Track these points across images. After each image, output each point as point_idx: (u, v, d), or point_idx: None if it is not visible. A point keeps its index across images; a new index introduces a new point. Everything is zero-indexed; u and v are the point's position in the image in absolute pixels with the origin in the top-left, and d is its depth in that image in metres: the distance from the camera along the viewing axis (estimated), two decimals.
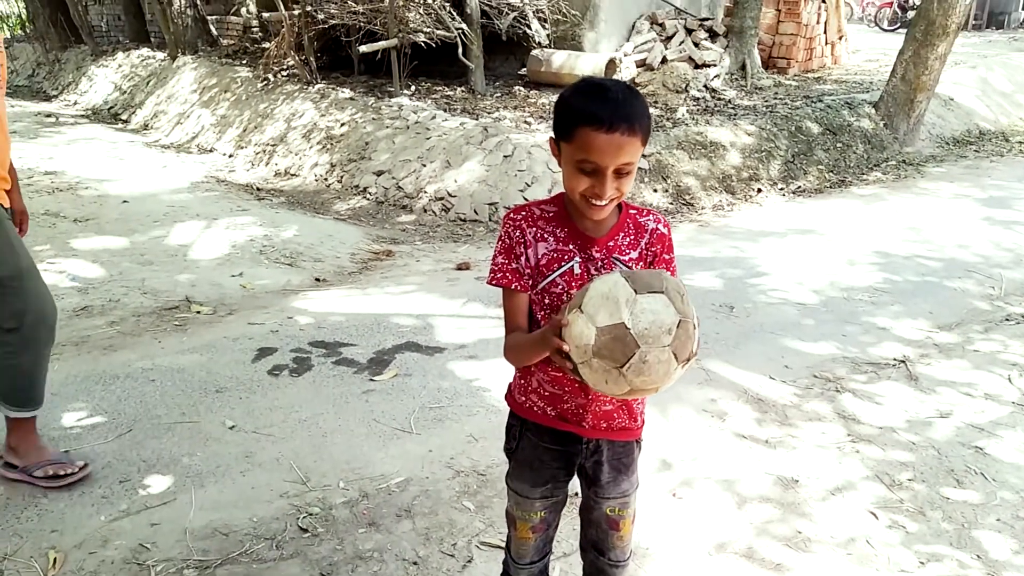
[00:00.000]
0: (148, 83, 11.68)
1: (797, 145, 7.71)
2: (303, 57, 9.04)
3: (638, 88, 8.52)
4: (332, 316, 4.28)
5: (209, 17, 12.60)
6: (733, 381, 3.62)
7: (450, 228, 6.18)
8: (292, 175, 7.79)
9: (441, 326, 4.19)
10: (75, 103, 12.72)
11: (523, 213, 1.65)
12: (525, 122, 7.41)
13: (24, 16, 16.92)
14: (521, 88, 8.68)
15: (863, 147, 8.13)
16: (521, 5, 8.70)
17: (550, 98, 8.22)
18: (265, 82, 9.38)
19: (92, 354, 3.77)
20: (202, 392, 3.43)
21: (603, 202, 1.52)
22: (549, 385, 1.70)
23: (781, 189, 7.22)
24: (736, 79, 9.32)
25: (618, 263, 1.62)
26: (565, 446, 1.75)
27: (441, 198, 6.51)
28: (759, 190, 7.10)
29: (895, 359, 3.87)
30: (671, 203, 6.66)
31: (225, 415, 3.24)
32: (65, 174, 7.17)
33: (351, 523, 2.57)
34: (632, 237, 1.64)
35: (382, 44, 8.23)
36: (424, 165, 6.85)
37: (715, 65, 9.02)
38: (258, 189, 7.36)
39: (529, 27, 8.71)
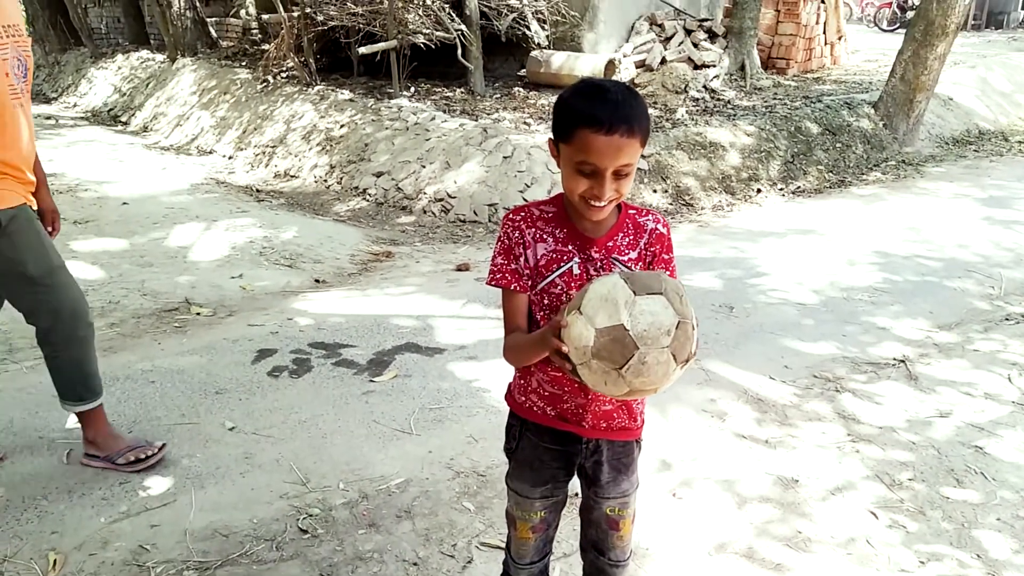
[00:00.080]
0: (148, 85, 11.68)
1: (796, 145, 7.71)
2: (302, 59, 9.04)
3: (637, 89, 8.56)
4: (332, 317, 4.28)
5: (209, 19, 12.60)
6: (733, 381, 3.62)
7: (450, 229, 6.18)
8: (292, 176, 7.79)
9: (441, 327, 4.19)
10: (75, 105, 12.73)
11: (522, 214, 1.66)
12: (524, 123, 7.42)
13: (24, 18, 16.92)
14: (520, 89, 8.68)
15: (862, 147, 8.13)
16: (520, 6, 8.71)
17: (549, 99, 8.22)
18: (265, 84, 9.38)
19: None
20: (202, 394, 3.43)
21: (602, 203, 1.52)
22: (549, 385, 1.71)
23: (781, 189, 7.23)
24: (735, 80, 9.33)
25: (617, 263, 1.62)
26: (565, 446, 1.75)
27: (441, 199, 6.51)
28: (759, 190, 7.10)
29: (895, 359, 3.88)
30: (671, 203, 6.67)
31: (225, 416, 3.24)
32: (65, 176, 7.17)
33: (351, 524, 2.57)
34: (631, 237, 1.65)
35: (381, 46, 8.23)
36: (424, 166, 6.85)
37: (714, 66, 9.03)
38: (258, 191, 7.36)
39: (528, 28, 8.72)
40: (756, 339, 4.09)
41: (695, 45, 9.23)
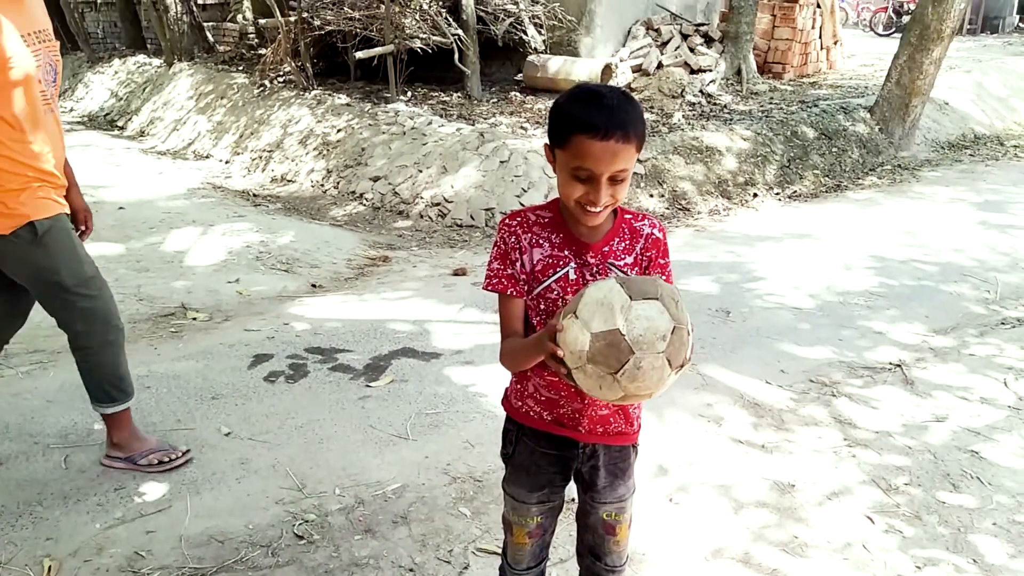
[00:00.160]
0: (144, 89, 11.67)
1: (793, 150, 7.73)
2: (299, 63, 9.04)
3: (634, 93, 8.57)
4: (328, 322, 4.28)
5: (205, 24, 12.60)
6: (729, 386, 3.62)
7: (446, 233, 6.18)
8: (288, 181, 7.79)
9: (437, 331, 4.19)
10: (71, 110, 12.71)
11: (518, 219, 1.66)
12: (521, 127, 7.43)
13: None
14: (517, 93, 8.69)
15: (859, 151, 8.15)
16: (517, 11, 8.72)
17: (546, 103, 8.23)
18: (261, 88, 9.38)
19: None
20: (198, 399, 3.42)
21: (598, 209, 1.52)
22: (545, 390, 1.70)
23: (777, 194, 7.24)
24: (732, 84, 9.35)
25: (613, 268, 1.62)
26: (561, 451, 1.75)
27: (437, 204, 6.51)
28: (755, 195, 7.12)
29: (891, 363, 3.88)
30: (667, 208, 6.68)
31: (221, 422, 3.23)
32: None
33: (347, 530, 2.57)
34: (627, 242, 1.65)
35: (379, 50, 8.24)
36: (420, 171, 6.85)
37: (711, 70, 9.05)
38: (254, 195, 7.36)
39: (525, 33, 8.73)
40: (752, 343, 4.09)
41: (691, 50, 9.25)
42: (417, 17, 8.25)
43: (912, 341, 4.14)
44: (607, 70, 8.56)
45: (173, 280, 4.84)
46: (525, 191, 6.30)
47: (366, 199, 6.95)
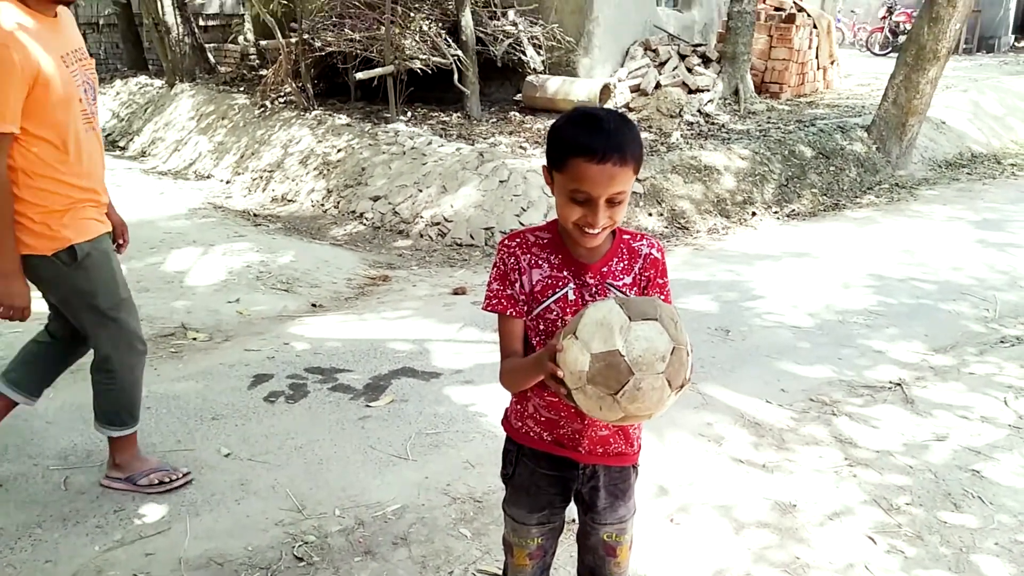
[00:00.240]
0: (146, 110, 11.75)
1: (791, 169, 7.77)
2: (300, 84, 9.11)
3: (632, 113, 8.64)
4: (328, 342, 4.28)
5: (207, 45, 12.70)
6: (729, 405, 3.62)
7: (446, 253, 6.20)
8: (289, 201, 7.82)
9: (437, 351, 4.19)
10: None
11: (517, 240, 1.67)
12: (520, 147, 7.47)
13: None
14: (516, 113, 8.75)
15: (856, 170, 8.19)
16: (516, 32, 8.81)
17: (545, 123, 8.28)
18: (262, 109, 9.44)
19: (88, 382, 3.74)
20: (198, 419, 3.41)
21: (596, 231, 1.54)
22: (545, 410, 1.71)
23: (775, 212, 7.27)
24: (729, 104, 9.41)
25: (612, 289, 1.63)
26: (562, 471, 1.75)
27: (437, 223, 6.53)
28: (753, 213, 7.14)
29: (891, 382, 3.88)
30: (666, 227, 6.70)
31: (220, 442, 3.23)
32: None
33: (347, 551, 2.55)
34: (626, 262, 1.66)
35: (379, 71, 8.31)
36: (420, 190, 6.88)
37: (708, 90, 9.11)
38: (255, 215, 7.38)
39: (524, 53, 8.81)
40: (752, 362, 4.10)
41: (689, 70, 9.32)
42: (417, 38, 8.33)
43: (912, 360, 4.14)
44: (606, 90, 8.62)
45: (173, 300, 4.85)
46: (524, 210, 6.33)
47: (366, 219, 6.97)
